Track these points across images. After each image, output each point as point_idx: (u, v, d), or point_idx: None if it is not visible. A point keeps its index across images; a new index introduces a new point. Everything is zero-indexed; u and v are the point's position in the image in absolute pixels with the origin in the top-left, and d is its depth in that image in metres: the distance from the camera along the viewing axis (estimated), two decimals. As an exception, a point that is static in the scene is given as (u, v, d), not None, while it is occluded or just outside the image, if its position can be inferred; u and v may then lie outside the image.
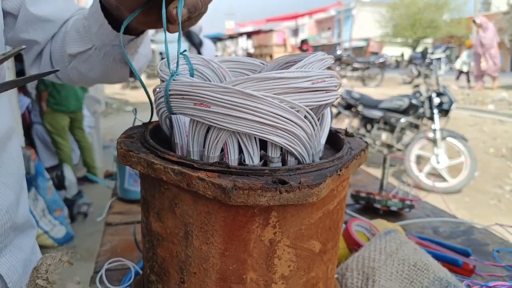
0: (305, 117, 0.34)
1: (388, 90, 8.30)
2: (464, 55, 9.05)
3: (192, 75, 0.42)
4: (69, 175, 2.72)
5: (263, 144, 0.35)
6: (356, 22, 26.44)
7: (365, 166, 3.99)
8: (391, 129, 4.08)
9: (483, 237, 0.81)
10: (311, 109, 0.39)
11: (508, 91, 7.54)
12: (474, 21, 5.97)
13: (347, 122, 4.68)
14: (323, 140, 0.40)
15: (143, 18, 0.44)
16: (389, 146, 4.08)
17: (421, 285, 0.47)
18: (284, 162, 0.35)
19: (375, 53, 16.80)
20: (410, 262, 0.49)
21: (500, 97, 7.13)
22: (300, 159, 0.35)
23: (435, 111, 3.66)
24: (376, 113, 4.23)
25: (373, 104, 4.34)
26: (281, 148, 0.34)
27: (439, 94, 3.75)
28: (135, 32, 0.54)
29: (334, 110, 4.66)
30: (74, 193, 2.70)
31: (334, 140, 0.44)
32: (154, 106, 0.38)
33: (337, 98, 0.37)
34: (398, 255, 0.50)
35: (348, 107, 4.61)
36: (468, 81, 8.79)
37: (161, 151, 0.33)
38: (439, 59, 4.22)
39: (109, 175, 0.99)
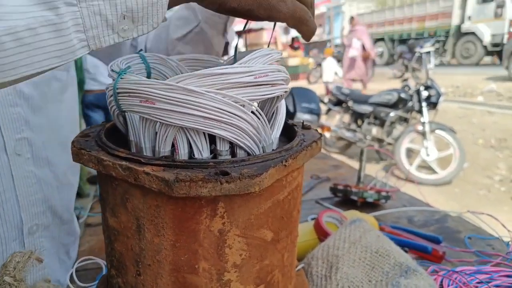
0: (252, 111, 0.35)
1: (379, 85, 8.34)
2: (328, 64, 7.62)
3: (149, 73, 0.43)
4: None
5: (214, 139, 0.36)
6: (346, 18, 26.53)
7: (356, 161, 4.02)
8: (381, 124, 4.12)
9: (456, 224, 0.83)
10: (263, 102, 0.41)
11: (496, 83, 7.63)
12: (352, 18, 5.85)
13: (338, 118, 4.71)
14: (277, 133, 0.42)
15: None
16: (380, 140, 4.12)
17: (382, 270, 0.48)
18: (234, 155, 0.36)
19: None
20: (373, 249, 0.51)
21: (489, 89, 7.22)
22: (249, 152, 0.36)
23: (424, 104, 3.70)
24: (366, 108, 4.26)
25: (363, 99, 4.37)
26: (230, 142, 0.36)
27: (427, 88, 3.79)
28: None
29: (325, 107, 4.69)
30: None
31: (292, 133, 0.46)
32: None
33: (286, 92, 0.38)
34: (361, 242, 0.52)
35: (339, 103, 4.63)
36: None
37: (112, 148, 0.34)
38: (428, 52, 4.26)
39: (91, 178, 1.00)
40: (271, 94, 0.36)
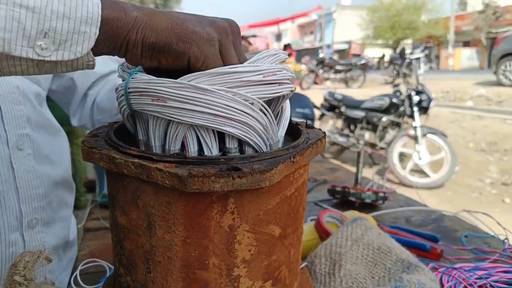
0: (260, 109, 0.36)
1: (370, 90, 8.45)
2: None
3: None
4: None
5: (222, 137, 0.37)
6: (337, 26, 26.88)
7: (350, 165, 4.06)
8: (374, 128, 4.16)
9: (453, 224, 0.84)
10: (269, 101, 0.42)
11: (485, 88, 7.77)
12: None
13: (331, 123, 4.75)
14: (282, 131, 0.43)
15: None
16: (373, 145, 4.15)
17: (384, 266, 0.49)
18: (242, 153, 0.37)
19: (357, 55, 17.09)
20: (374, 246, 0.52)
21: (478, 93, 7.35)
22: (257, 149, 0.37)
23: (415, 109, 3.76)
24: (358, 113, 4.30)
25: (355, 105, 4.41)
26: (239, 140, 0.36)
27: (418, 93, 3.85)
28: None
29: (318, 112, 4.72)
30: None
31: (296, 132, 0.47)
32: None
33: (292, 91, 0.40)
34: (363, 240, 0.53)
35: (332, 108, 4.68)
36: None
37: (122, 147, 0.35)
38: (418, 58, 4.34)
39: (88, 183, 1.00)
40: (278, 92, 0.37)
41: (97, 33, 0.30)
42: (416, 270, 0.48)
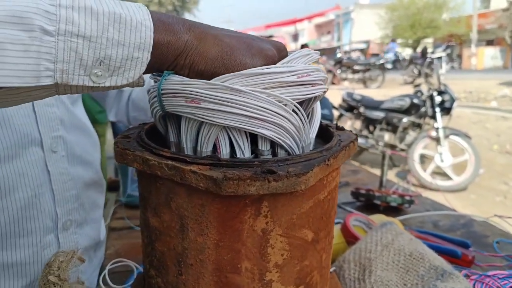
0: (293, 110, 0.35)
1: (389, 91, 8.30)
2: None
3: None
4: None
5: (254, 139, 0.36)
6: (355, 25, 26.56)
7: (369, 167, 3.99)
8: (394, 130, 4.07)
9: (483, 229, 0.81)
10: (300, 103, 0.41)
11: (509, 88, 7.51)
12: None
13: (349, 124, 4.68)
14: (313, 133, 0.42)
15: None
16: (392, 147, 4.07)
17: (417, 273, 0.48)
18: (274, 155, 0.37)
19: (376, 55, 16.82)
20: (406, 252, 0.50)
21: (502, 94, 7.11)
22: (290, 151, 0.36)
23: (437, 109, 3.66)
24: (378, 114, 4.23)
25: (374, 105, 4.34)
26: (271, 142, 0.36)
27: (440, 93, 3.75)
28: None
29: (336, 113, 4.67)
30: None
31: (326, 134, 0.46)
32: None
33: (324, 92, 0.39)
34: (394, 245, 0.51)
35: (350, 109, 4.61)
36: None
37: (156, 148, 0.35)
38: (440, 58, 4.23)
39: (112, 182, 1.01)
40: (312, 93, 0.36)
41: (149, 57, 0.31)
42: (450, 277, 0.46)
